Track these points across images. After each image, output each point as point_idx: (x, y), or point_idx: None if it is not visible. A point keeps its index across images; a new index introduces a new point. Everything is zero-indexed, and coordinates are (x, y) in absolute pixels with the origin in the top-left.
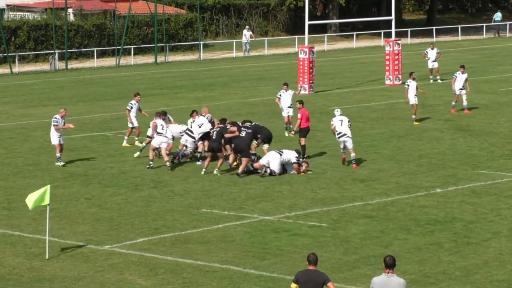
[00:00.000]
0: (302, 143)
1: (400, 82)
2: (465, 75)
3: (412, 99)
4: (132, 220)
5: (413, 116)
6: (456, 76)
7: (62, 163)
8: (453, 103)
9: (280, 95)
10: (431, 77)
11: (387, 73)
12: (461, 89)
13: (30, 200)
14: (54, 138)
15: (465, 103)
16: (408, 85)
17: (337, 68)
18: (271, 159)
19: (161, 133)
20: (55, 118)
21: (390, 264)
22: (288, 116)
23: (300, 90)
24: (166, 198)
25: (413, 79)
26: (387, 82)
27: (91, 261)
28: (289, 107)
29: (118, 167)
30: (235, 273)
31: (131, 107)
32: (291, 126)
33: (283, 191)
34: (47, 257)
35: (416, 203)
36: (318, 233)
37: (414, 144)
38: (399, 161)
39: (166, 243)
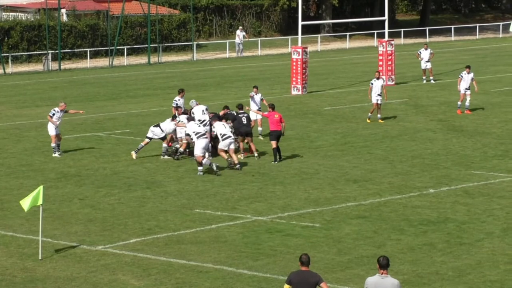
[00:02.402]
0: (273, 146)
1: (393, 82)
2: (471, 75)
3: (375, 98)
4: (125, 220)
5: (378, 115)
6: (462, 76)
7: (59, 153)
8: (459, 103)
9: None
10: (424, 77)
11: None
12: (466, 89)
13: (25, 203)
14: (51, 128)
15: (467, 103)
16: (372, 84)
17: (330, 69)
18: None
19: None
20: (54, 110)
21: (383, 265)
22: (256, 120)
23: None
24: (159, 199)
25: (378, 78)
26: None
27: (84, 262)
28: (259, 109)
29: (111, 167)
30: (228, 273)
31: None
32: (260, 128)
33: (276, 192)
34: (40, 258)
35: (409, 204)
36: (311, 233)
37: (407, 145)
38: (392, 161)
39: (159, 243)
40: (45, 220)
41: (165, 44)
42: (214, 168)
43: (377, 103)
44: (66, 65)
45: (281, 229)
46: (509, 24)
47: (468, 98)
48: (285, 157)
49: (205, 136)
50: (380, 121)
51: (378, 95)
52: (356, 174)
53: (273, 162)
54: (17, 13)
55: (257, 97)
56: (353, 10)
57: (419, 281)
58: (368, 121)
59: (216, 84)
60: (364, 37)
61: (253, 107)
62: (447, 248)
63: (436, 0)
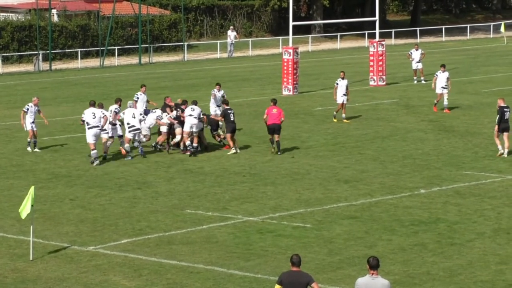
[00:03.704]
0: (270, 137)
1: (384, 83)
2: (446, 74)
3: (340, 98)
4: (116, 221)
5: (343, 115)
6: (437, 75)
7: (35, 149)
8: (436, 101)
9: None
10: (415, 78)
11: (371, 74)
12: (442, 87)
13: (23, 209)
14: (28, 124)
15: (445, 102)
16: (337, 84)
17: (321, 69)
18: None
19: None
20: (27, 105)
21: (374, 265)
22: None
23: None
24: (150, 199)
25: (343, 78)
26: (371, 83)
27: (75, 262)
28: (218, 106)
29: (102, 168)
30: (219, 274)
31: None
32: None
33: (267, 192)
34: (31, 258)
35: (400, 204)
36: (302, 234)
37: (398, 145)
38: (383, 161)
39: (150, 244)
40: (36, 221)
41: (156, 45)
42: (94, 161)
43: (342, 103)
44: (57, 65)
45: (272, 230)
46: (500, 24)
47: (446, 97)
48: (277, 157)
49: (97, 127)
50: (345, 120)
51: (344, 95)
52: (347, 174)
53: (273, 151)
54: (8, 14)
55: (219, 94)
56: (344, 10)
57: (410, 281)
58: (335, 120)
59: (207, 84)
60: (355, 38)
61: (213, 105)
62: (438, 249)
63: (427, 1)
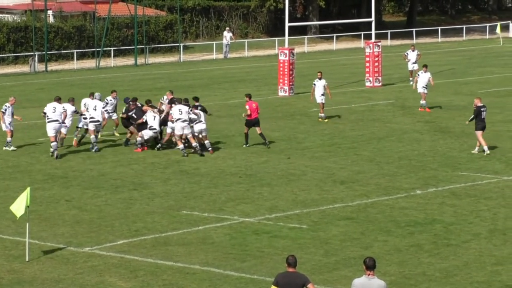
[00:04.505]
0: (259, 131)
1: (380, 84)
2: (428, 74)
3: (318, 98)
4: (112, 222)
5: (322, 115)
6: (419, 75)
7: (12, 148)
8: (422, 102)
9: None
10: (411, 79)
11: (367, 75)
12: (424, 87)
13: (19, 209)
14: (7, 124)
15: (423, 101)
16: (315, 84)
17: (317, 70)
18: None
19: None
20: (5, 106)
21: (370, 266)
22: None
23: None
24: (146, 200)
25: (320, 78)
26: (367, 84)
27: (71, 263)
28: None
29: (98, 169)
30: (215, 275)
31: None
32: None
33: (263, 193)
34: (27, 259)
35: (396, 205)
36: (298, 235)
37: (394, 146)
38: (379, 162)
39: (146, 245)
40: (32, 222)
41: (152, 46)
42: (54, 152)
43: (321, 103)
44: (53, 66)
45: (268, 231)
46: (496, 25)
47: (425, 96)
48: (273, 158)
49: (57, 121)
50: (321, 119)
51: (322, 95)
52: (343, 175)
53: (244, 146)
54: (4, 15)
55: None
56: (340, 11)
57: (406, 282)
58: (320, 120)
59: (203, 85)
60: (351, 39)
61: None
62: (434, 249)
63: (423, 2)
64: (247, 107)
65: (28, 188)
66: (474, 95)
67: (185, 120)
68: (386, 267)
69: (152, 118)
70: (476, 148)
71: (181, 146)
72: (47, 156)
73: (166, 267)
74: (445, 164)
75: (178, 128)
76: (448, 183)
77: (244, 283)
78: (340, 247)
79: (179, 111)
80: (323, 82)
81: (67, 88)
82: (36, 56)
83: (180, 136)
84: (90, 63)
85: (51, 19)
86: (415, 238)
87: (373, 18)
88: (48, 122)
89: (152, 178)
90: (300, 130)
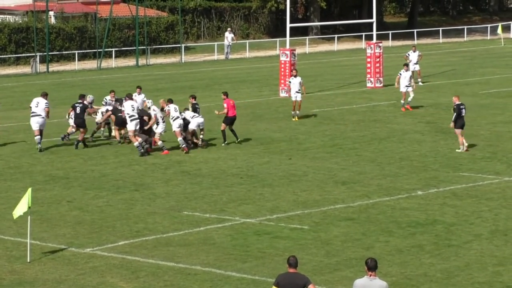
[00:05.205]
0: (222, 128)
1: (381, 84)
2: (409, 73)
3: (294, 96)
4: (114, 223)
5: (296, 112)
6: (400, 74)
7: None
8: (402, 101)
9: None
10: (412, 79)
11: (368, 75)
12: (406, 86)
13: (18, 210)
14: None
15: (410, 98)
16: (290, 82)
17: (318, 71)
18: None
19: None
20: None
21: (372, 267)
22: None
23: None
24: (148, 201)
25: (295, 76)
26: (369, 84)
27: (72, 264)
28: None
29: (99, 169)
30: (217, 276)
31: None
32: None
33: (265, 194)
34: (28, 260)
35: (397, 206)
36: (300, 235)
37: (395, 147)
38: (380, 163)
39: (148, 246)
40: (33, 223)
41: (153, 46)
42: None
43: (295, 100)
44: (54, 67)
45: (270, 231)
46: (497, 26)
47: (412, 95)
48: (274, 159)
49: (39, 115)
50: (295, 118)
51: (297, 92)
52: (345, 176)
53: (223, 144)
54: (5, 16)
55: (139, 98)
56: (341, 12)
57: (407, 283)
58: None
59: (204, 86)
60: (352, 39)
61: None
62: (435, 250)
63: (424, 2)
64: (225, 105)
65: (30, 189)
66: (475, 96)
67: (182, 118)
68: (387, 268)
69: (130, 108)
70: (461, 147)
71: (180, 138)
72: (49, 157)
73: (168, 268)
74: (446, 165)
75: (175, 125)
76: (449, 184)
77: (246, 284)
78: (341, 248)
79: (174, 109)
80: (298, 79)
81: (69, 89)
82: (38, 57)
83: (179, 133)
84: (91, 64)
85: (52, 20)
86: (416, 239)
87: (374, 19)
88: (31, 116)
89: (154, 179)
90: (301, 131)
